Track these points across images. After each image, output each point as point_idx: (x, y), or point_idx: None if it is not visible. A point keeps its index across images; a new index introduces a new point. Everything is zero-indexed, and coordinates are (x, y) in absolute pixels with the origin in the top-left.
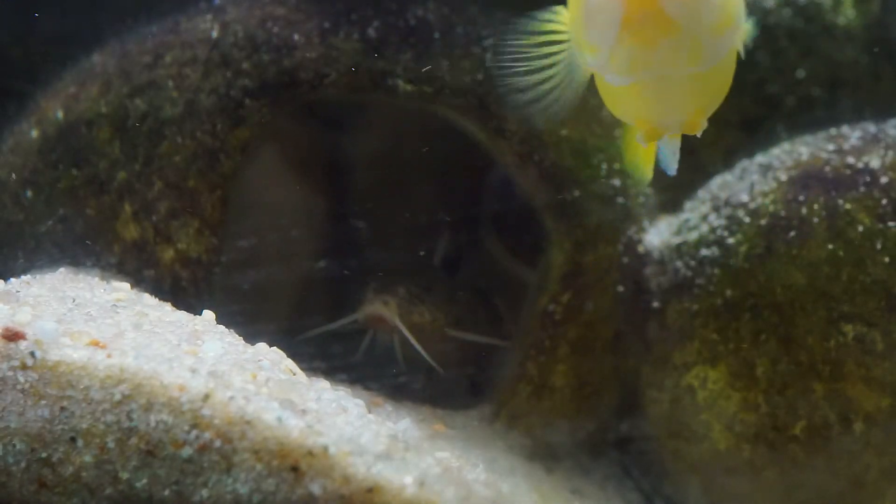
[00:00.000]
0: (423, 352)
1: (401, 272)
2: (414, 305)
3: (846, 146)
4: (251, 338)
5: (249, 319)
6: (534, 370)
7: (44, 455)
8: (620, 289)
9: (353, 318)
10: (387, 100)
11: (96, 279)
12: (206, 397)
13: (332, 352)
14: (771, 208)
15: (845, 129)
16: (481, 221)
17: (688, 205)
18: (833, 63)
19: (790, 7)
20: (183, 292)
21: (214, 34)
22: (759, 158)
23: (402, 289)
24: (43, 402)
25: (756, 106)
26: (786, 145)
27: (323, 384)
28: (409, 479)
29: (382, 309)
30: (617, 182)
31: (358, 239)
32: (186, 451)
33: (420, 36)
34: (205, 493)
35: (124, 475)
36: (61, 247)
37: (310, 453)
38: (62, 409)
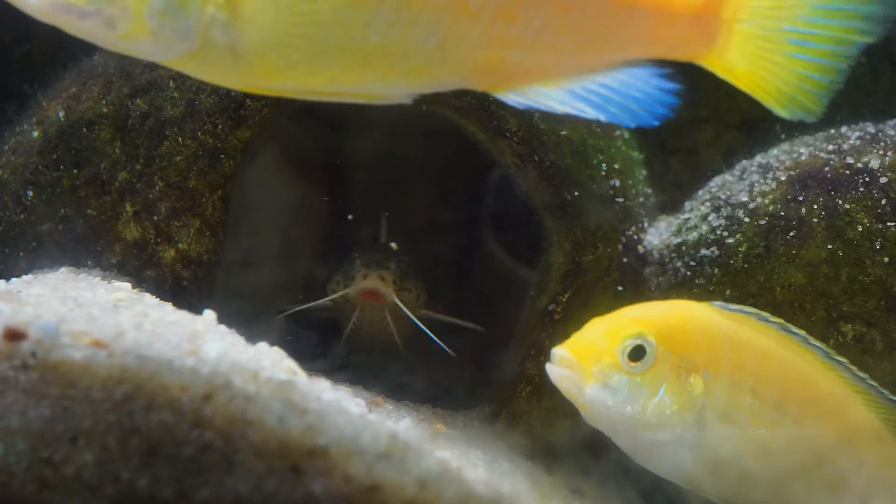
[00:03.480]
0: (420, 325)
1: (380, 250)
2: (405, 280)
3: (845, 146)
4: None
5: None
6: (534, 370)
7: (45, 455)
8: (620, 289)
9: (343, 294)
10: None
11: (97, 279)
12: (207, 397)
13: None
14: (770, 208)
15: (844, 129)
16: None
17: (687, 205)
18: None
19: None
20: (184, 292)
21: None
22: (759, 159)
23: (393, 263)
24: (44, 401)
25: (755, 107)
26: (785, 146)
27: (323, 384)
28: (409, 479)
29: (379, 284)
30: (617, 182)
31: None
32: (187, 451)
33: None
34: (206, 492)
35: (125, 475)
36: (62, 247)
37: (310, 453)
38: (63, 408)
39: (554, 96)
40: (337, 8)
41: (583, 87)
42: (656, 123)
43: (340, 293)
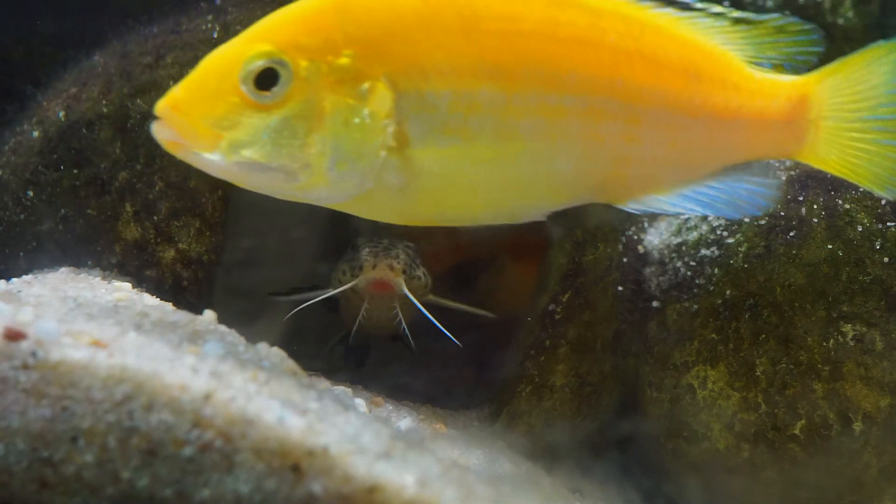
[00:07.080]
0: (432, 319)
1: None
2: (414, 269)
3: None
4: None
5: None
6: (534, 370)
7: (45, 455)
8: (620, 289)
9: (351, 286)
10: None
11: (97, 279)
12: (208, 397)
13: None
14: (770, 208)
15: None
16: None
17: None
18: None
19: (790, 7)
20: (184, 292)
21: (216, 35)
22: None
23: (401, 251)
24: (44, 401)
25: None
26: None
27: (324, 384)
28: (409, 479)
29: (389, 274)
30: None
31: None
32: (188, 451)
33: None
34: (206, 492)
35: (125, 475)
36: (63, 247)
37: (310, 453)
38: (63, 408)
39: (667, 201)
40: (494, 153)
41: (693, 190)
42: (759, 214)
43: (349, 285)
